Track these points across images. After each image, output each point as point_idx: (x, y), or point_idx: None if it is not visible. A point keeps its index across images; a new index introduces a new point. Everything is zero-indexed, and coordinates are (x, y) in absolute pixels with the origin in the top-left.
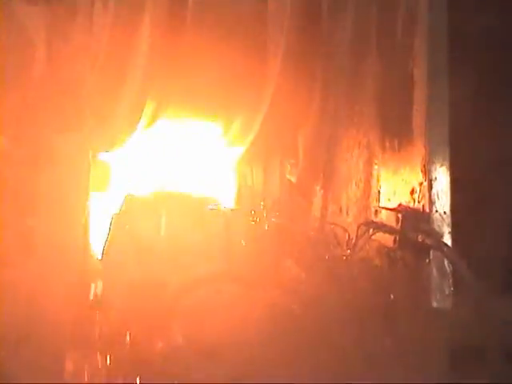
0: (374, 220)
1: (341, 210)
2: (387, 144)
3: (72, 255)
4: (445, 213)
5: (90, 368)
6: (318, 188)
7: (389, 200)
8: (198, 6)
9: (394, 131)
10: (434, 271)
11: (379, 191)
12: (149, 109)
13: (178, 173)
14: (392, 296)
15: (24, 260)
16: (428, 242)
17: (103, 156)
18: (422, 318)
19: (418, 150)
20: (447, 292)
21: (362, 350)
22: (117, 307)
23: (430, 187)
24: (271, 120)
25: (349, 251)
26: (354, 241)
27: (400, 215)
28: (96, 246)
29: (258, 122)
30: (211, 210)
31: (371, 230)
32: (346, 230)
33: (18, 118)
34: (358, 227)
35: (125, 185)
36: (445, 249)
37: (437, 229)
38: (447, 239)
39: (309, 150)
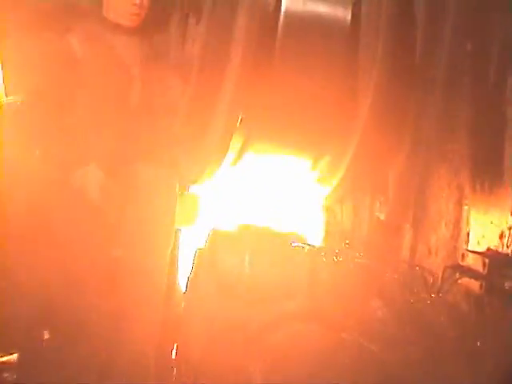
0: (461, 263)
1: (430, 251)
2: (478, 185)
3: (156, 288)
4: None
5: None
6: (407, 227)
7: (478, 243)
8: (288, 40)
9: (485, 172)
10: None
11: (468, 233)
12: (237, 142)
13: (265, 208)
14: (478, 343)
15: (109, 290)
16: None
17: (192, 189)
18: (509, 369)
19: (509, 192)
20: None
21: None
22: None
23: None
24: (361, 156)
25: (433, 295)
26: (439, 284)
27: (487, 260)
28: (182, 279)
29: (347, 158)
30: (296, 247)
31: (457, 274)
32: (431, 274)
33: (112, 151)
34: (444, 270)
35: (212, 219)
36: None
37: None
38: None
39: (399, 188)
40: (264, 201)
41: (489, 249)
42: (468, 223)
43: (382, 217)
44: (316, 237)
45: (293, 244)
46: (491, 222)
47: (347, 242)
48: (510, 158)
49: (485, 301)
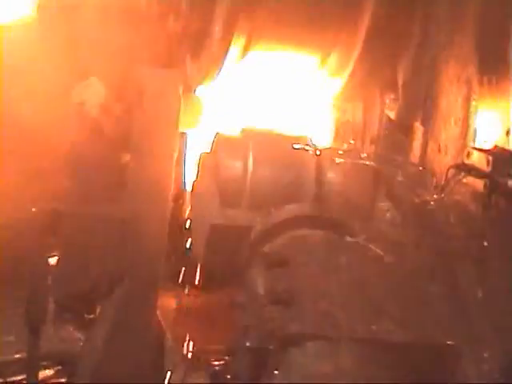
0: (466, 162)
1: (439, 149)
2: (485, 80)
3: (163, 189)
4: None
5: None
6: (417, 125)
7: (485, 141)
8: None
9: (493, 66)
10: None
11: (475, 130)
12: (241, 38)
13: (272, 109)
14: (485, 243)
15: (118, 195)
16: None
17: (197, 91)
18: None
19: None
20: None
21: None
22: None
23: None
24: (370, 51)
25: (435, 196)
26: (442, 184)
27: (491, 158)
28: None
29: (355, 53)
30: (299, 149)
31: (462, 174)
32: (434, 174)
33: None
34: (448, 170)
35: (217, 121)
36: None
37: None
38: None
39: (408, 85)
40: (271, 101)
41: (496, 146)
42: (475, 120)
43: (392, 115)
44: (325, 137)
45: (295, 146)
46: (499, 119)
47: (352, 141)
48: None
49: (489, 200)
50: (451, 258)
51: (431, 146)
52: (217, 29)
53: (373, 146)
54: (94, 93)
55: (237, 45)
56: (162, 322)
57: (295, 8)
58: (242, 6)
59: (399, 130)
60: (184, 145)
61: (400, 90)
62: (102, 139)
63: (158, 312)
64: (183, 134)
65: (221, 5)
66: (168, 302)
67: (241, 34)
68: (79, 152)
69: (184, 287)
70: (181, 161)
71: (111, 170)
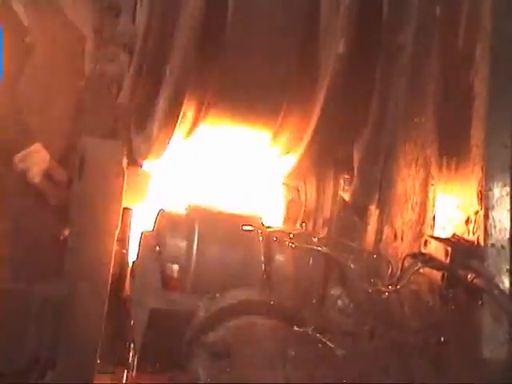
0: (423, 251)
1: (396, 235)
2: (444, 163)
3: (102, 267)
4: (503, 247)
5: None
6: (372, 208)
7: (443, 228)
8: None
9: (453, 149)
10: (487, 316)
11: (434, 217)
12: (188, 113)
13: (221, 187)
14: (442, 338)
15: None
16: (478, 282)
17: (143, 165)
18: (472, 367)
19: (475, 173)
20: (502, 340)
21: None
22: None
23: (487, 217)
24: (324, 129)
25: (390, 287)
26: (398, 275)
27: (449, 248)
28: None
29: (309, 131)
30: (246, 230)
31: (418, 264)
32: (388, 263)
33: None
34: (404, 259)
35: (162, 198)
36: (496, 291)
37: (492, 265)
38: (505, 278)
39: (364, 165)
40: (220, 177)
41: (454, 235)
42: (434, 206)
43: (347, 197)
44: (276, 218)
45: (244, 227)
46: (457, 206)
47: (304, 224)
48: (477, 135)
49: (450, 293)
50: (406, 352)
51: (387, 231)
52: (163, 101)
53: (325, 229)
54: (37, 159)
55: (185, 118)
56: None
57: (246, 80)
58: (190, 78)
59: (354, 213)
60: (129, 221)
61: (355, 171)
62: (44, 209)
63: None
64: (128, 209)
65: (168, 77)
66: None
67: (189, 107)
68: (20, 222)
69: (124, 371)
70: (125, 238)
71: (51, 243)
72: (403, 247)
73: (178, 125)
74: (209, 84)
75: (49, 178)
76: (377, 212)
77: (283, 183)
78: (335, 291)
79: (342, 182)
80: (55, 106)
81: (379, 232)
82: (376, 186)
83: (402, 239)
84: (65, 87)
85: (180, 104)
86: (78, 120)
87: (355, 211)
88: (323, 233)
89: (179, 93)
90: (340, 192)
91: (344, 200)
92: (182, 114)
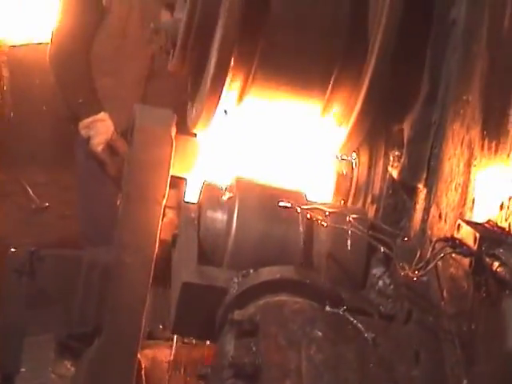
0: (456, 236)
1: (440, 215)
2: (486, 144)
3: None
4: None
5: None
6: (420, 187)
7: (481, 213)
8: None
9: (495, 131)
10: None
11: (473, 200)
12: (235, 82)
13: (270, 158)
14: (473, 326)
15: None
16: (501, 271)
17: (193, 134)
18: (499, 358)
19: (511, 157)
20: None
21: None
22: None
23: None
24: (375, 100)
25: (416, 272)
26: (426, 259)
27: (478, 235)
28: None
29: (360, 101)
30: (282, 206)
31: (447, 249)
32: (415, 248)
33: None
34: (434, 243)
35: (209, 169)
36: None
37: None
38: None
39: (413, 142)
40: (270, 149)
41: (489, 221)
42: (474, 188)
43: (395, 174)
44: (326, 192)
45: (281, 204)
46: (494, 190)
47: (342, 201)
48: None
49: (478, 280)
50: (439, 339)
51: (433, 211)
52: (209, 70)
53: (374, 206)
54: (102, 129)
55: (233, 88)
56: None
57: (293, 50)
58: (235, 46)
59: (403, 191)
60: (183, 191)
61: (405, 148)
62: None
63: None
64: (182, 179)
65: (213, 46)
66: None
67: (236, 77)
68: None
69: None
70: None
71: (110, 212)
72: (446, 229)
73: (224, 93)
74: (255, 54)
75: (110, 148)
76: (424, 191)
77: (335, 156)
78: (377, 271)
79: (391, 158)
80: (127, 71)
81: (426, 212)
82: (424, 164)
83: (445, 221)
84: (138, 51)
85: (225, 72)
86: (147, 88)
87: (404, 189)
88: (372, 210)
89: (224, 61)
90: (389, 168)
91: (393, 177)
92: (228, 82)
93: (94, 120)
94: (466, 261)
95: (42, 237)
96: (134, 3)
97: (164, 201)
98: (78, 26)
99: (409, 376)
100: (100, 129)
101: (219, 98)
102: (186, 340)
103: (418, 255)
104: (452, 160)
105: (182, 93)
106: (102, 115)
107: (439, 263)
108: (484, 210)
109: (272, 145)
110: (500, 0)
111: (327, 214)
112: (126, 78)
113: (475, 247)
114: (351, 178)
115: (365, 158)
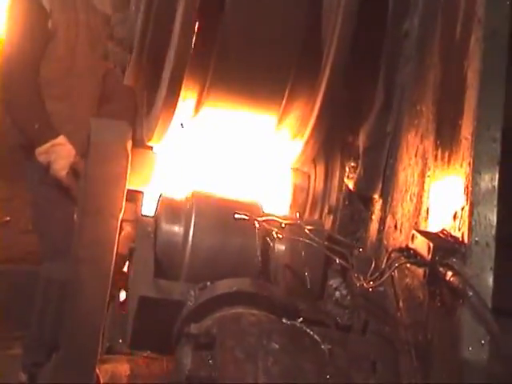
0: (410, 246)
1: (396, 226)
2: (439, 155)
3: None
4: (487, 245)
5: None
6: (376, 197)
7: (435, 223)
8: None
9: (447, 141)
10: (467, 315)
11: (427, 210)
12: (190, 96)
13: (226, 171)
14: (429, 335)
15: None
16: (454, 281)
17: (149, 147)
18: (454, 367)
19: (464, 167)
20: (481, 340)
21: None
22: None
23: (471, 213)
24: (331, 112)
25: (371, 283)
26: (381, 269)
27: (431, 244)
28: None
29: (316, 112)
30: (238, 219)
31: (402, 259)
32: (371, 259)
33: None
34: (389, 254)
35: (164, 182)
36: (470, 292)
37: (475, 264)
38: (488, 276)
39: (369, 153)
40: (227, 164)
41: (443, 230)
42: (428, 198)
43: (351, 185)
44: (283, 204)
45: (236, 216)
46: (447, 200)
47: (298, 214)
48: (467, 128)
49: (434, 290)
50: (395, 349)
51: (389, 221)
52: (165, 82)
53: (330, 216)
54: (62, 153)
55: (187, 100)
56: None
57: (247, 63)
58: (189, 60)
59: (359, 201)
60: (140, 204)
61: (361, 159)
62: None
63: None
64: (139, 192)
65: (167, 61)
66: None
67: (190, 90)
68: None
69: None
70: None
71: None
72: (401, 239)
73: (178, 106)
74: (209, 67)
75: (74, 172)
76: (380, 201)
77: (291, 168)
78: (334, 282)
79: (347, 169)
80: (78, 93)
81: (382, 222)
82: (379, 174)
83: (400, 231)
84: (88, 73)
85: (179, 86)
86: (102, 108)
87: (360, 199)
88: (328, 221)
89: (178, 75)
90: (345, 179)
91: (349, 188)
92: (183, 95)
93: (53, 145)
94: (421, 271)
95: (3, 252)
96: (81, 26)
97: (121, 214)
98: (29, 40)
99: None
100: (61, 153)
101: (173, 112)
102: (145, 354)
103: (372, 265)
104: (407, 170)
105: (137, 112)
106: (61, 139)
107: (395, 273)
108: (438, 220)
109: (228, 157)
110: (452, 12)
111: (283, 225)
112: (78, 100)
113: (429, 257)
114: (308, 190)
115: (321, 170)
